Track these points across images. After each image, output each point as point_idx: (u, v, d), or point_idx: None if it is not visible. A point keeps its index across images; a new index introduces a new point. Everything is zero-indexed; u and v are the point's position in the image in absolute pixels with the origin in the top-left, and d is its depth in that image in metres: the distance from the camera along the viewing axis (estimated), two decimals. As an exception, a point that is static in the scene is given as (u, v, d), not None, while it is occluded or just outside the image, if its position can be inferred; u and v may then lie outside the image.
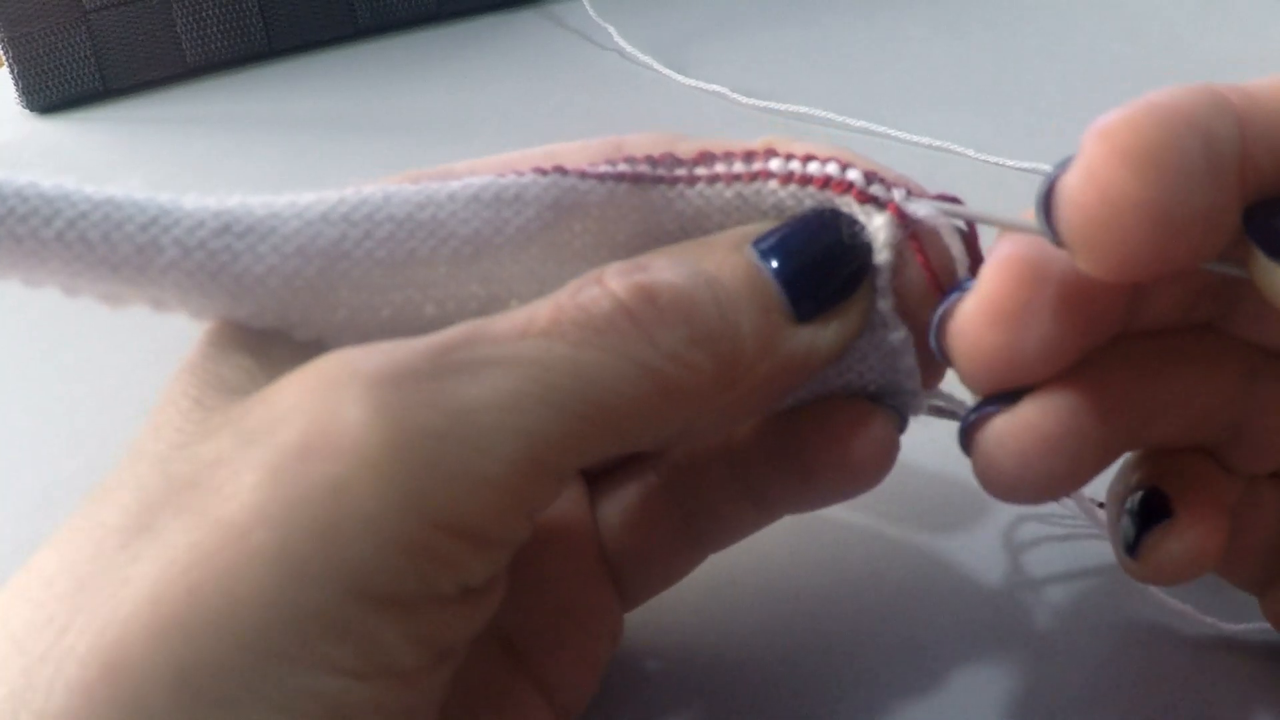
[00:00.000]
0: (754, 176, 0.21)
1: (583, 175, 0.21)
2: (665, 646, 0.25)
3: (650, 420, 0.19)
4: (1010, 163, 0.42)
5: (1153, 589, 0.25)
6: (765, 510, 0.23)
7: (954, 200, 0.21)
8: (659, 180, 0.21)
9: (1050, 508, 0.27)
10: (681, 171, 0.21)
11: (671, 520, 0.23)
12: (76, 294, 0.18)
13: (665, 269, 0.19)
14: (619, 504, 0.24)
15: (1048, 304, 0.19)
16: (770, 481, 0.22)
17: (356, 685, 0.16)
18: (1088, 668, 0.24)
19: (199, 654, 0.15)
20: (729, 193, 0.21)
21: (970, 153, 0.43)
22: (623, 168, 0.21)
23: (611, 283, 0.19)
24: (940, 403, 0.23)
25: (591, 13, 0.56)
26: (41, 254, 0.17)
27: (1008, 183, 0.42)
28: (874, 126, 0.45)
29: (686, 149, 0.22)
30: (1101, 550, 0.26)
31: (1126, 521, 0.21)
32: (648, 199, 0.21)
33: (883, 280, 0.21)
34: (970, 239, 0.21)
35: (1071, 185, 0.17)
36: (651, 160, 0.21)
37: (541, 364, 0.18)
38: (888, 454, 0.22)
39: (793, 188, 0.21)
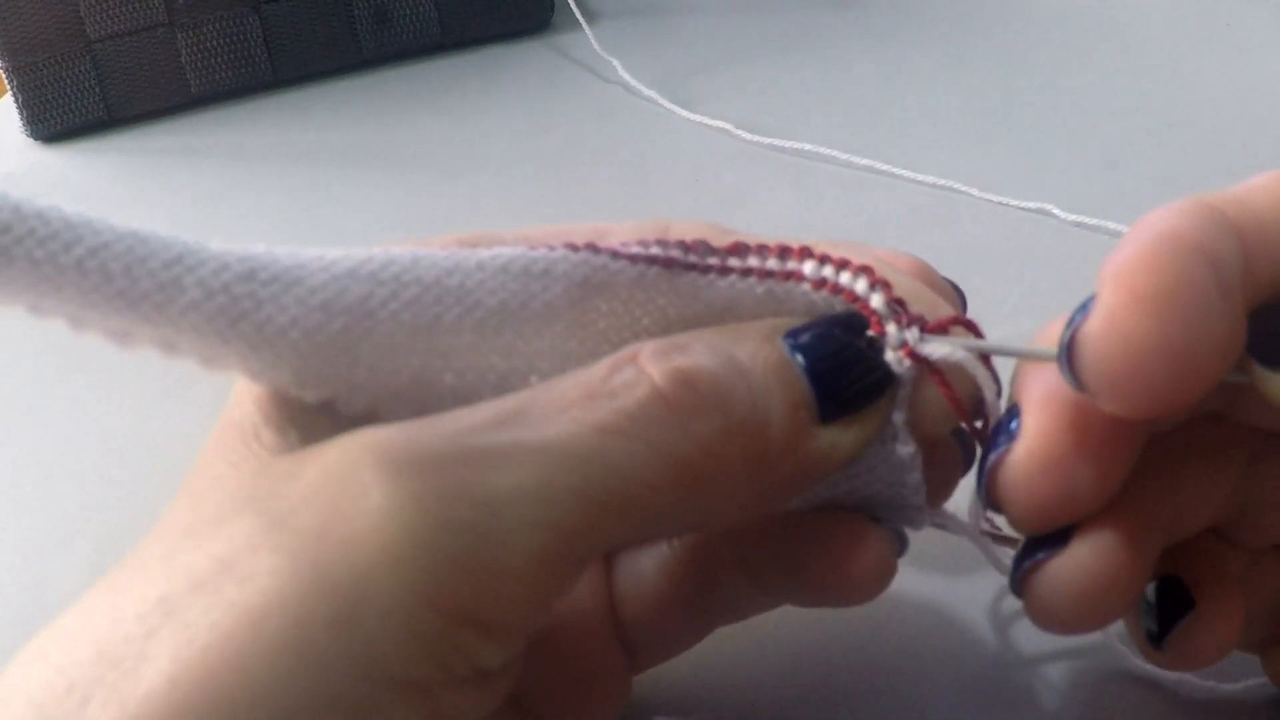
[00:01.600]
0: (787, 276, 0.21)
1: (614, 255, 0.20)
2: (668, 701, 0.25)
3: (674, 511, 0.19)
4: (1014, 202, 0.42)
5: (1149, 667, 0.25)
6: (770, 598, 0.23)
7: (970, 325, 0.21)
8: (690, 267, 0.21)
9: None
10: (714, 261, 0.21)
11: (683, 594, 0.23)
12: (84, 328, 0.18)
13: (702, 354, 0.19)
14: (633, 574, 0.23)
15: (1101, 437, 0.19)
16: (772, 579, 0.22)
17: None
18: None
19: None
20: (760, 289, 0.21)
21: (974, 191, 0.43)
22: (655, 251, 0.21)
23: (649, 366, 0.19)
24: (942, 521, 0.23)
25: (596, 46, 0.56)
26: (58, 280, 0.17)
27: (1011, 222, 0.42)
28: (878, 164, 0.45)
29: (724, 239, 0.21)
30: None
31: (1147, 613, 0.21)
32: (676, 285, 0.21)
33: (899, 394, 0.20)
34: (985, 365, 0.21)
35: (1093, 335, 0.17)
36: (684, 246, 0.21)
37: (571, 453, 0.17)
38: (883, 575, 0.21)
39: (824, 293, 0.21)
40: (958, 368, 0.20)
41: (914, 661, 0.26)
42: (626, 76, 0.54)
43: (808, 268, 0.21)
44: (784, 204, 0.44)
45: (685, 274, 0.21)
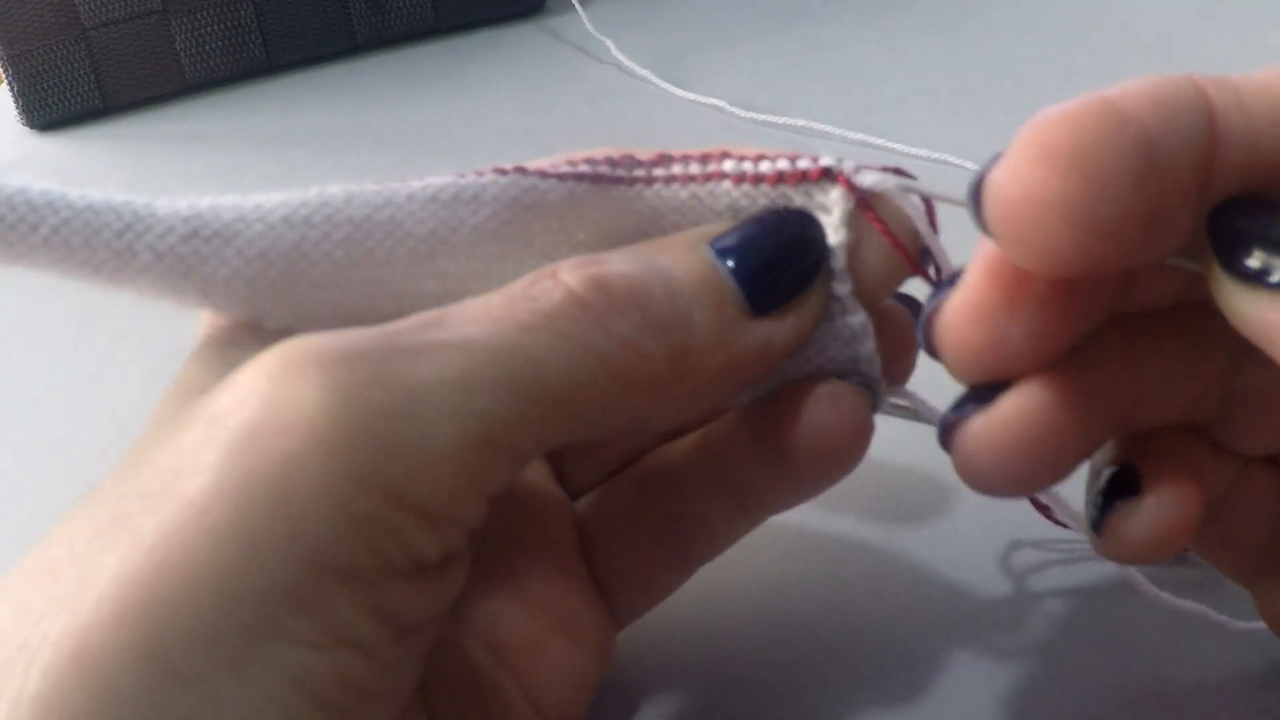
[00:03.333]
0: (709, 177, 0.22)
1: (542, 175, 0.21)
2: (658, 667, 0.25)
3: (604, 407, 0.19)
4: (1008, 174, 0.42)
5: (1166, 595, 0.24)
6: (746, 511, 0.23)
7: (906, 173, 0.21)
8: (618, 180, 0.22)
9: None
10: (640, 173, 0.22)
11: (653, 530, 0.23)
12: (71, 281, 0.20)
13: (620, 262, 0.20)
14: (601, 515, 0.24)
15: (1035, 296, 0.19)
16: (748, 476, 0.22)
17: (317, 656, 0.17)
18: (1089, 671, 0.24)
19: (164, 632, 0.16)
20: (684, 193, 0.22)
21: (968, 164, 0.43)
22: (583, 168, 0.22)
23: (566, 276, 0.19)
24: (904, 402, 0.23)
25: (589, 26, 0.56)
26: (30, 256, 0.19)
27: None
28: (872, 139, 0.45)
29: (645, 153, 0.22)
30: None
31: (1093, 499, 0.21)
32: (607, 198, 0.22)
33: (839, 263, 0.21)
34: (928, 214, 0.21)
35: (996, 180, 0.17)
36: (611, 161, 0.22)
37: (492, 348, 0.18)
38: (862, 431, 0.22)
39: (746, 187, 0.21)
40: (893, 209, 0.21)
41: (908, 614, 0.26)
42: (620, 56, 0.54)
43: (728, 165, 0.22)
44: (778, 180, 0.44)
45: (614, 187, 0.22)
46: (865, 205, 0.21)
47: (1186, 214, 0.17)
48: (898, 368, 0.23)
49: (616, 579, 0.24)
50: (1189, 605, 0.24)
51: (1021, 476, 0.20)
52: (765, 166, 0.21)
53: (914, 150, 0.44)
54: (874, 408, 0.22)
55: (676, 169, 0.22)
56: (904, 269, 0.21)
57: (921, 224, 0.21)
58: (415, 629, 0.18)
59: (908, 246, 0.21)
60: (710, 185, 0.22)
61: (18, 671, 0.16)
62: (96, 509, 0.18)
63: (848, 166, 0.21)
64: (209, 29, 0.54)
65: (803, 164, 0.21)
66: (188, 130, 0.53)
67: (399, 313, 0.21)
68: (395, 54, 0.58)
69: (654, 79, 0.52)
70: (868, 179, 0.21)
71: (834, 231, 0.21)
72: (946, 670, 0.25)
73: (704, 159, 0.22)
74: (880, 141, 0.45)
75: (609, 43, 0.55)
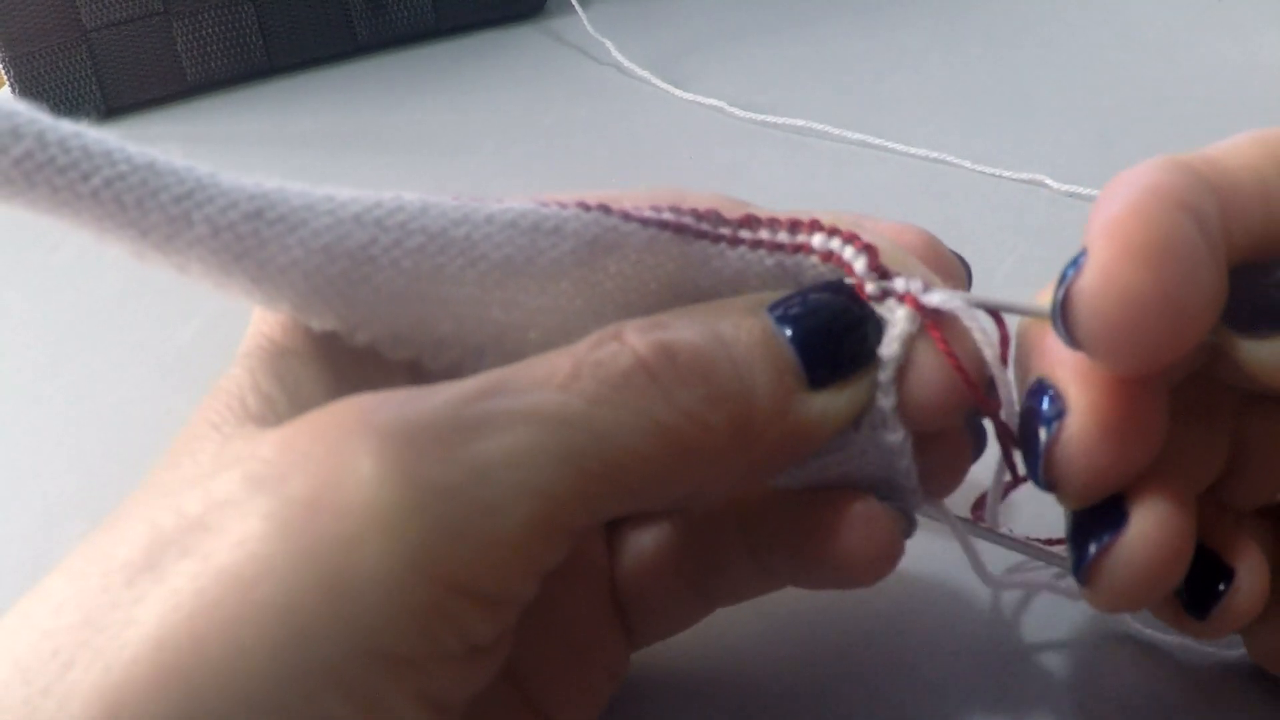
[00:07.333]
0: (796, 249, 0.21)
1: (626, 217, 0.20)
2: (665, 677, 0.25)
3: (663, 480, 0.19)
4: (1007, 174, 0.42)
5: (1150, 632, 0.24)
6: (772, 579, 0.23)
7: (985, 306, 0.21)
8: (701, 235, 0.21)
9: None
10: (725, 231, 0.21)
11: (683, 572, 0.23)
12: (107, 244, 0.18)
13: (685, 328, 0.19)
14: (634, 550, 0.23)
15: (1138, 405, 0.19)
16: (775, 558, 0.22)
17: None
18: (1087, 690, 0.24)
19: (201, 704, 0.15)
20: (770, 261, 0.21)
21: (967, 164, 0.43)
22: (667, 216, 0.21)
23: (631, 339, 0.19)
24: (933, 512, 0.22)
25: (589, 28, 0.56)
26: (76, 206, 0.17)
27: (1004, 193, 0.42)
28: (871, 139, 0.45)
29: (736, 210, 0.21)
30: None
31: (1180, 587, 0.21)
32: (687, 252, 0.21)
33: (885, 378, 0.20)
34: (1001, 341, 0.21)
35: (1088, 290, 0.17)
36: (696, 214, 0.21)
37: (559, 420, 0.17)
38: (891, 556, 0.21)
39: (832, 265, 0.21)
40: (960, 332, 0.20)
41: (912, 626, 0.26)
42: (620, 58, 0.54)
43: (816, 240, 0.21)
44: (778, 180, 0.45)
45: (696, 241, 0.21)
46: (932, 324, 0.20)
47: (1225, 287, 0.17)
48: (943, 486, 0.22)
49: (638, 608, 0.23)
50: (1174, 640, 0.24)
51: (1167, 585, 0.19)
52: (848, 254, 0.20)
53: (913, 150, 0.44)
54: (907, 534, 0.22)
55: (764, 234, 0.21)
56: (962, 398, 0.20)
57: (990, 352, 0.20)
58: (458, 707, 0.18)
59: (972, 373, 0.20)
60: (798, 257, 0.21)
61: (43, 719, 0.16)
62: (129, 545, 0.17)
63: (914, 286, 0.20)
64: (210, 31, 0.55)
65: (870, 288, 0.20)
66: (189, 132, 0.53)
67: (457, 336, 0.20)
68: (396, 55, 0.58)
69: (654, 80, 0.52)
70: (935, 298, 0.20)
71: (887, 344, 0.20)
72: (940, 675, 0.25)
73: (793, 227, 0.21)
74: (879, 141, 0.45)
75: (609, 44, 0.55)
